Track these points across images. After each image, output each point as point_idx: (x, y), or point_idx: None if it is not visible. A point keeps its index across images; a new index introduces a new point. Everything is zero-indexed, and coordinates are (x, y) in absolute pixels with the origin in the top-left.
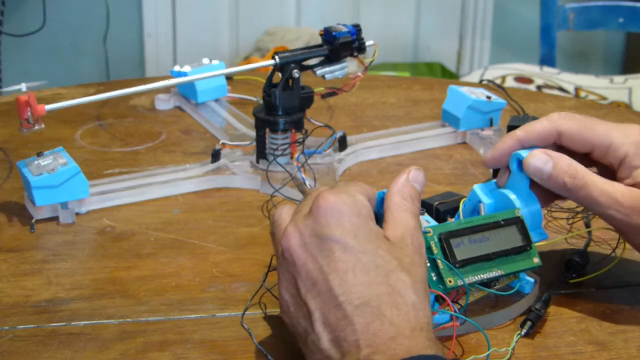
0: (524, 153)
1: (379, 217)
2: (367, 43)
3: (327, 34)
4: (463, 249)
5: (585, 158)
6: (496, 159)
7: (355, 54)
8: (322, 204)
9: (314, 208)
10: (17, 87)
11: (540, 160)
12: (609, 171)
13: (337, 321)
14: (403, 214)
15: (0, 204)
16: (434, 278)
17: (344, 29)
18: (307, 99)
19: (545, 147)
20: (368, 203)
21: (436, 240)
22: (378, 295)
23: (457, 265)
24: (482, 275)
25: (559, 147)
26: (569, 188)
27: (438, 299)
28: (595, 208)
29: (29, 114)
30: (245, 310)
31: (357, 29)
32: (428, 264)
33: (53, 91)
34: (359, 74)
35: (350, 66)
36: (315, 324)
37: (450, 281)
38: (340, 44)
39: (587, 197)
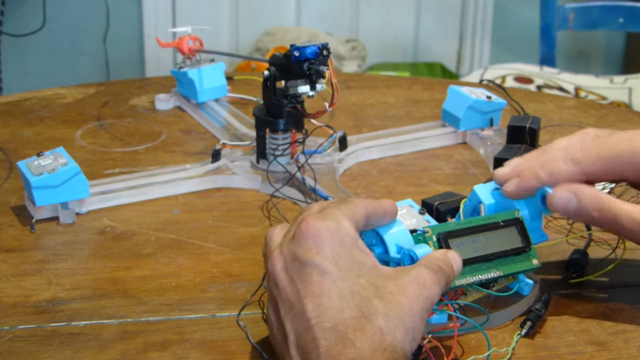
0: (550, 190)
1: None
2: (321, 68)
3: (292, 47)
4: (462, 250)
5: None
6: (519, 195)
7: (313, 75)
8: (304, 230)
9: (297, 233)
10: (184, 28)
11: (564, 199)
12: None
13: (306, 344)
14: (430, 280)
15: (0, 204)
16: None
17: (310, 46)
18: (275, 106)
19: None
20: (354, 231)
21: (435, 240)
22: (346, 320)
23: None
24: (480, 276)
25: None
26: (599, 221)
27: None
28: (627, 236)
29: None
30: (242, 308)
31: (319, 51)
32: None
33: (53, 91)
34: (327, 106)
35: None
36: (290, 347)
37: None
38: (294, 61)
39: (619, 227)
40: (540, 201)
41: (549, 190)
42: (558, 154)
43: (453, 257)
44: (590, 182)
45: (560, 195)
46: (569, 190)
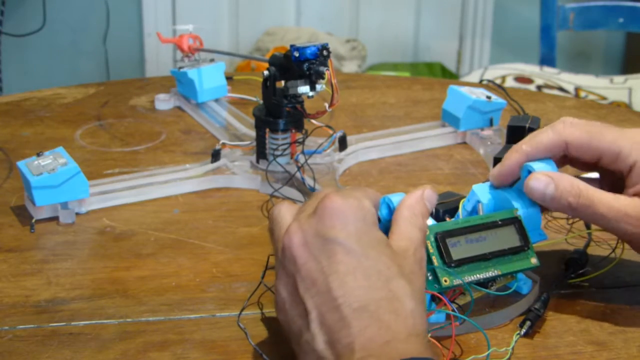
0: (535, 165)
1: (381, 221)
2: (321, 68)
3: (292, 48)
4: (459, 249)
5: (592, 165)
6: (504, 174)
7: (312, 75)
8: (328, 206)
9: (320, 209)
10: (185, 26)
11: (542, 183)
12: (617, 177)
13: (333, 323)
14: (410, 228)
15: (0, 204)
16: (430, 277)
17: (310, 46)
18: (275, 106)
19: (552, 158)
20: (374, 209)
21: (432, 239)
22: (377, 300)
23: (452, 265)
24: (478, 275)
25: (564, 155)
26: (575, 207)
27: (434, 298)
28: (604, 223)
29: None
30: (242, 310)
31: (319, 52)
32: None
33: (53, 91)
34: (327, 107)
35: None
36: (312, 324)
37: (445, 280)
38: (293, 62)
39: (595, 214)
40: (526, 177)
41: (534, 166)
42: (542, 129)
43: (429, 199)
44: (569, 154)
45: (539, 179)
46: (546, 175)
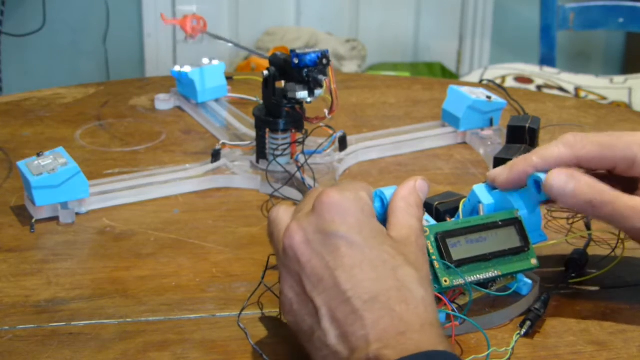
0: (542, 175)
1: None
2: (320, 77)
3: (292, 53)
4: (459, 249)
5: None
6: (510, 182)
7: (311, 83)
8: (326, 201)
9: (318, 205)
10: (189, 7)
11: (562, 180)
12: (632, 182)
13: (345, 316)
14: (408, 217)
15: (0, 204)
16: (430, 277)
17: (310, 53)
18: (275, 106)
19: None
20: (370, 201)
21: (432, 239)
22: (387, 290)
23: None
24: (478, 276)
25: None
26: (595, 205)
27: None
28: (622, 223)
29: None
30: (242, 310)
31: (319, 60)
32: None
33: (53, 91)
34: (327, 113)
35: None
36: (323, 320)
37: (445, 281)
38: (293, 67)
39: (614, 213)
40: (532, 187)
41: (541, 176)
42: (552, 143)
43: (421, 190)
44: (581, 167)
45: (558, 176)
46: (566, 173)
